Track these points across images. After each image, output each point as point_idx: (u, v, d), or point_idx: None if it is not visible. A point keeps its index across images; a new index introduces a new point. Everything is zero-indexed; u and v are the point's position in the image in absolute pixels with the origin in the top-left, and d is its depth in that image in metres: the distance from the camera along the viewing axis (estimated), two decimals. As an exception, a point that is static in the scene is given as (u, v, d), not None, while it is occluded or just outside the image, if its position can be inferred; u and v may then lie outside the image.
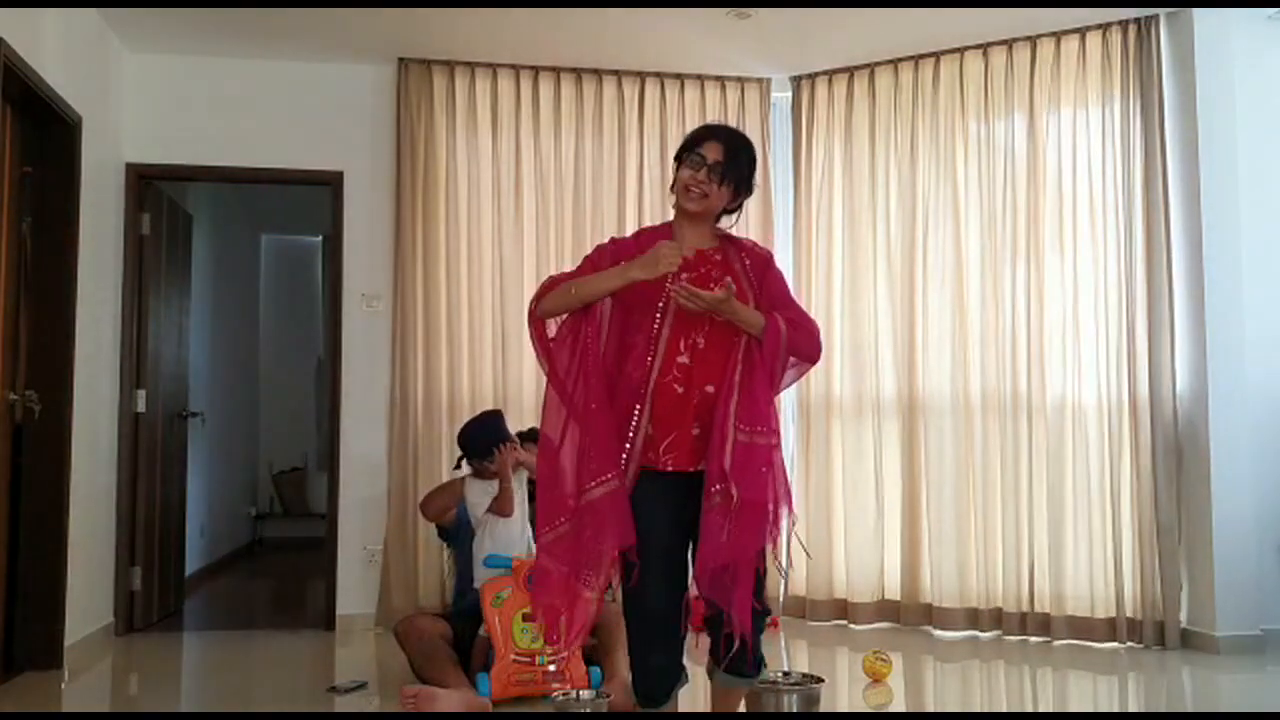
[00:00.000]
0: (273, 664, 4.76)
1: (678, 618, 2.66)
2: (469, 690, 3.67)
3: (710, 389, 2.64)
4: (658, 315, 2.67)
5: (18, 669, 4.23)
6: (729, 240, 2.86)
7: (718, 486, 2.56)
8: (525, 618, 3.80)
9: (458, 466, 4.44)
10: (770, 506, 2.59)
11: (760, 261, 2.82)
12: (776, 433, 2.66)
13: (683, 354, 2.66)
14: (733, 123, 5.61)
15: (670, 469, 2.66)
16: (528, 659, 3.76)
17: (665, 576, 2.65)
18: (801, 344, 2.72)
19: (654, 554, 2.64)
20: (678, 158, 2.81)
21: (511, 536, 4.04)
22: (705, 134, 2.81)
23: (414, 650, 3.89)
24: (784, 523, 2.63)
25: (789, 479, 2.71)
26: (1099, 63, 5.01)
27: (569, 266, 5.46)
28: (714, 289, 2.61)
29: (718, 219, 2.85)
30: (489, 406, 5.32)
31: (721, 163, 2.73)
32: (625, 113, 5.55)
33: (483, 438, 4.12)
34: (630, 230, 5.46)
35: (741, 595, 2.56)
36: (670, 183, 2.86)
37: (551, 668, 3.77)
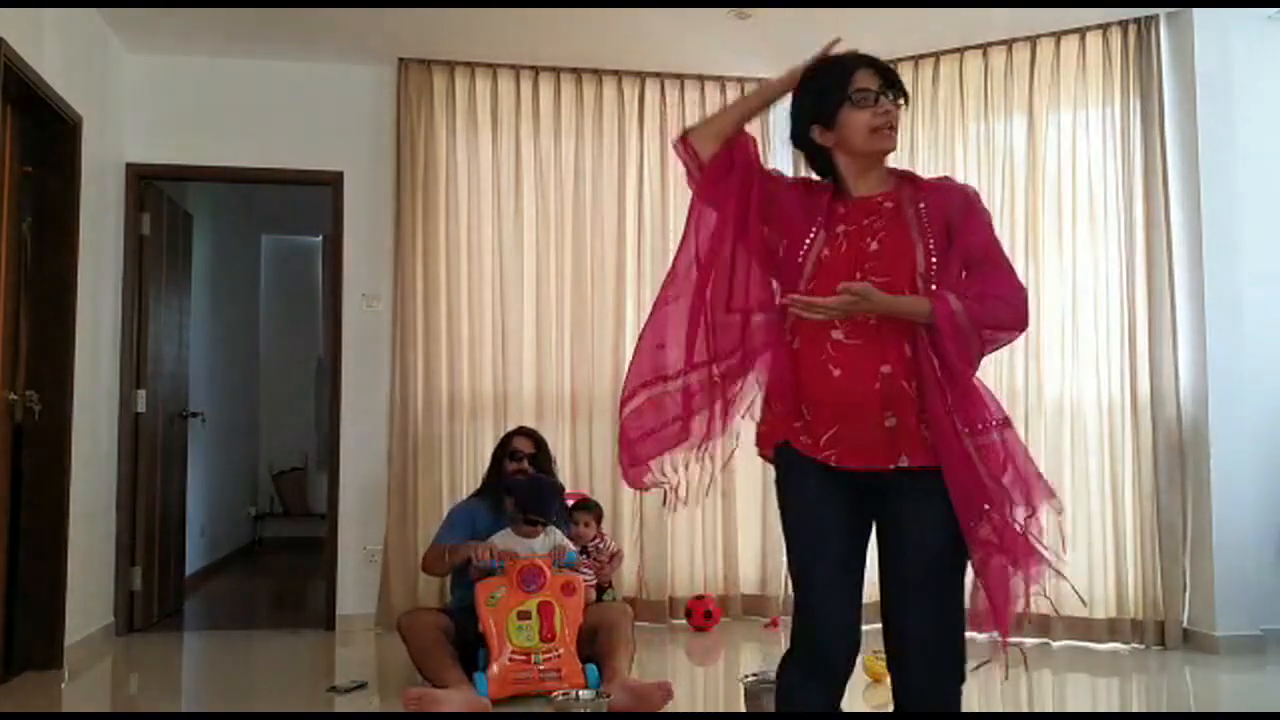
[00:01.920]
0: (273, 664, 4.76)
1: (854, 653, 2.20)
2: (468, 689, 3.67)
3: (887, 369, 2.11)
4: (800, 258, 2.20)
5: (18, 669, 4.23)
6: (904, 179, 2.29)
7: (983, 521, 2.09)
8: (520, 615, 3.81)
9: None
10: (1030, 508, 2.14)
11: (945, 206, 2.20)
12: (1002, 420, 2.16)
13: (838, 329, 2.13)
14: (733, 123, 5.61)
15: (838, 465, 2.15)
16: (524, 658, 3.76)
17: (841, 600, 2.17)
18: (996, 316, 2.16)
19: (826, 565, 2.16)
20: (834, 106, 2.22)
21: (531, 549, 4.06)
22: (850, 65, 2.24)
23: (414, 645, 3.90)
24: (1046, 524, 2.17)
25: (1031, 462, 2.19)
26: (1099, 63, 5.01)
27: (569, 267, 5.53)
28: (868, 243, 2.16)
29: None
30: (489, 406, 5.35)
31: (888, 83, 2.22)
32: (625, 113, 5.55)
33: (538, 505, 4.12)
34: (629, 230, 5.51)
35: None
36: (808, 132, 2.31)
37: (552, 671, 3.77)
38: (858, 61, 2.26)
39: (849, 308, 2.08)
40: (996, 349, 2.27)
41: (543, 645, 3.78)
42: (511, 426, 5.21)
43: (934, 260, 2.16)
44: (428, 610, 4.27)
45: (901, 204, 2.23)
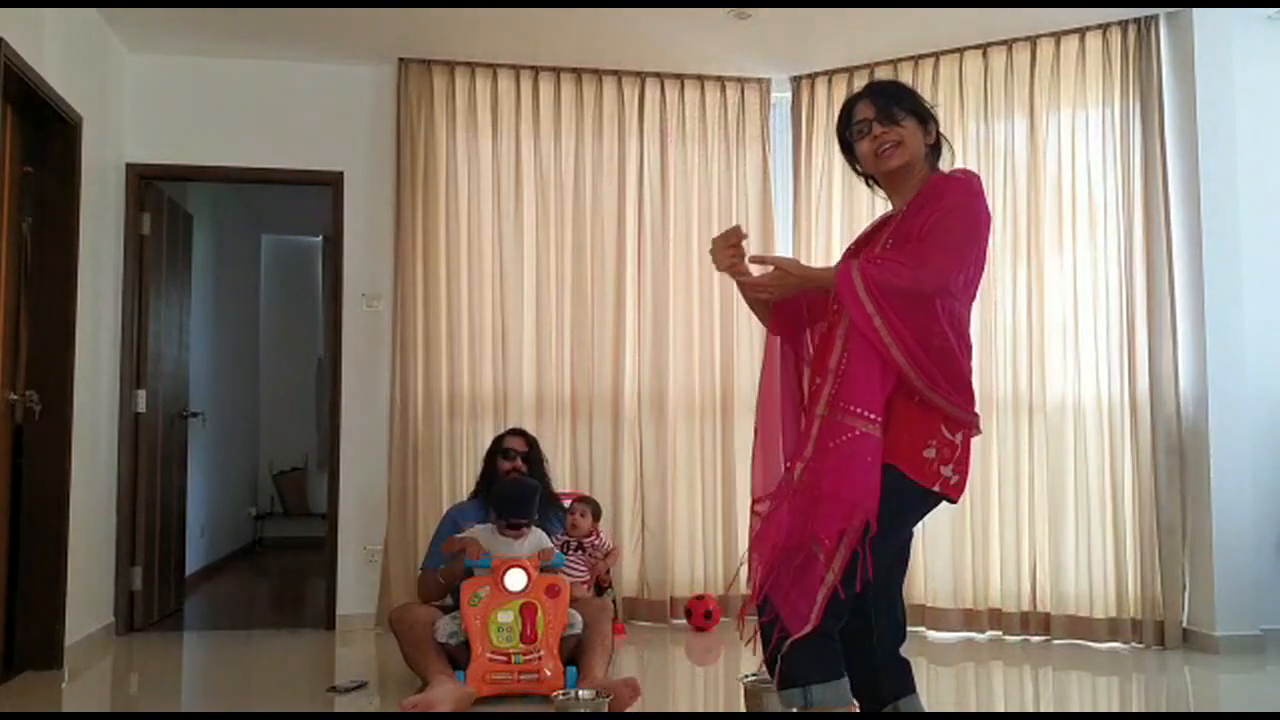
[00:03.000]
0: (273, 664, 4.76)
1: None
2: (452, 681, 3.68)
3: (818, 380, 2.35)
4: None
5: (18, 669, 4.23)
6: (928, 183, 2.42)
7: (789, 463, 2.35)
8: (501, 617, 3.80)
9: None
10: (839, 496, 2.20)
11: (928, 200, 2.36)
12: (867, 416, 2.22)
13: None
14: (732, 123, 5.63)
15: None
16: (503, 658, 3.77)
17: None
18: (889, 274, 2.22)
19: None
20: (847, 147, 2.52)
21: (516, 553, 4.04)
22: (848, 106, 2.50)
23: (404, 637, 3.93)
24: (848, 522, 2.19)
25: (870, 478, 2.21)
26: (1099, 63, 5.02)
27: (569, 267, 5.53)
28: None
29: (934, 162, 2.48)
30: (489, 407, 5.35)
31: (881, 108, 2.42)
32: (625, 113, 5.55)
33: (516, 507, 4.08)
34: (629, 230, 5.52)
35: (793, 595, 2.24)
36: (852, 165, 2.55)
37: (531, 673, 3.77)
38: (860, 96, 2.49)
39: (778, 282, 2.39)
40: (913, 321, 2.25)
41: (523, 646, 3.78)
42: (509, 423, 5.24)
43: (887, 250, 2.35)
44: (419, 605, 4.26)
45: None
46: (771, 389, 2.53)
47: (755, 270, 2.50)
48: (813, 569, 2.22)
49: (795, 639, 2.22)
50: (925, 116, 2.47)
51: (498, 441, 4.61)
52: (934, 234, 2.28)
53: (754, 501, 2.49)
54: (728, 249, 2.44)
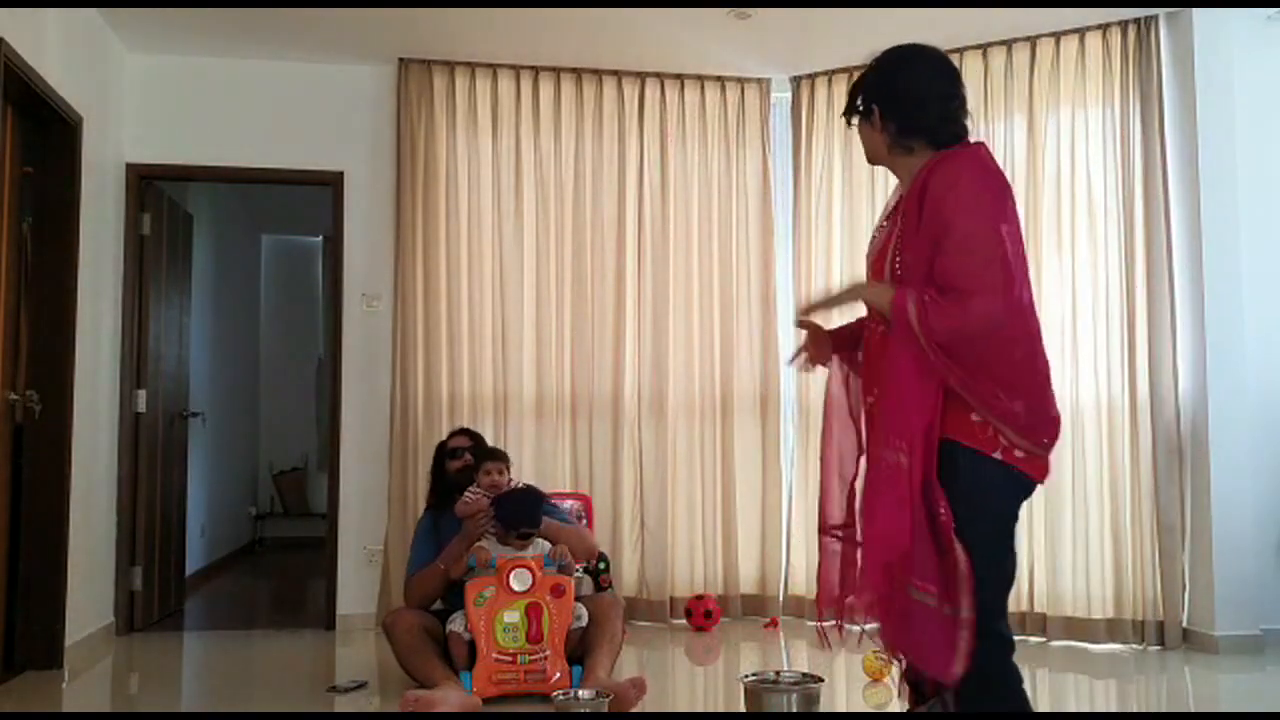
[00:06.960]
0: (273, 664, 4.76)
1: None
2: (459, 687, 3.67)
3: (869, 399, 2.32)
4: None
5: (18, 669, 4.23)
6: (924, 168, 2.27)
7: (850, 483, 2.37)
8: (508, 617, 3.79)
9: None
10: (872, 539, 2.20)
11: (917, 189, 2.20)
12: (901, 448, 2.13)
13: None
14: (732, 123, 5.62)
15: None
16: (509, 659, 3.76)
17: None
18: (945, 322, 2.09)
19: None
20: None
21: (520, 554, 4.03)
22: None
23: (399, 643, 3.90)
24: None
25: (910, 510, 2.14)
26: (1099, 63, 5.02)
27: (569, 267, 5.53)
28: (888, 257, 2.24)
29: (933, 140, 2.30)
30: (489, 406, 5.35)
31: (847, 106, 2.39)
32: (625, 113, 5.55)
33: (527, 516, 4.05)
34: (629, 230, 5.51)
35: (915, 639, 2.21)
36: None
37: (537, 673, 3.76)
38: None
39: (850, 297, 2.35)
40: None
41: (529, 646, 3.77)
42: (512, 426, 5.26)
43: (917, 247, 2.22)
44: (411, 610, 4.14)
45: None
46: (830, 414, 2.47)
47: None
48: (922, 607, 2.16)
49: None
50: (864, 110, 2.33)
51: (442, 445, 4.52)
52: (945, 249, 2.11)
53: (823, 529, 2.43)
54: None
